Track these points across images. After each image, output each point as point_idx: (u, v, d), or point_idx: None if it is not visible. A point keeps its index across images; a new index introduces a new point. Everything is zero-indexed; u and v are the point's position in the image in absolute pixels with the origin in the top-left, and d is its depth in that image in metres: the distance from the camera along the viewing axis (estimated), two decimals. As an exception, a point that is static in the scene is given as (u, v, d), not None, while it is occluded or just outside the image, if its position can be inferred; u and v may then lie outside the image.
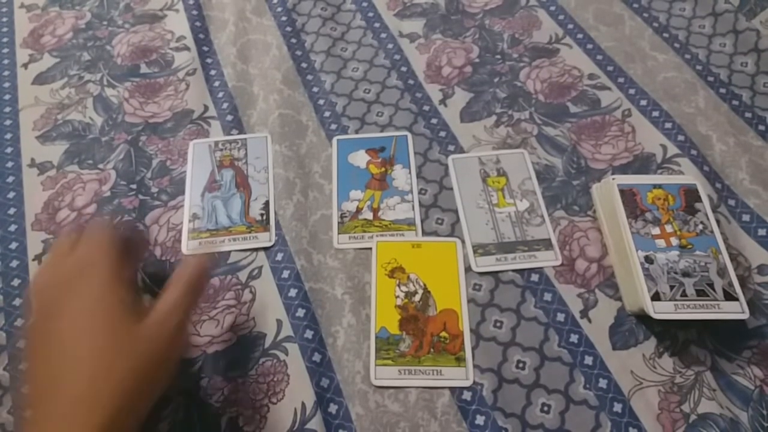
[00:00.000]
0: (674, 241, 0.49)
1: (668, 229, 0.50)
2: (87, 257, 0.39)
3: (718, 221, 0.52)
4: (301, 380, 0.48)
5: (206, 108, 0.65)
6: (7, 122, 0.64)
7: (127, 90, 0.67)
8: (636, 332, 0.49)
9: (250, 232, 0.55)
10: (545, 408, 0.46)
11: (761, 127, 0.62)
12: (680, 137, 0.60)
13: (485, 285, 0.52)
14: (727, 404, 0.46)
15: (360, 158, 0.61)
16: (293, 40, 0.71)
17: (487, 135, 0.62)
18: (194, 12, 0.74)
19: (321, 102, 0.65)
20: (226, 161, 0.60)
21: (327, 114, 0.64)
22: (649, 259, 0.48)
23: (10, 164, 0.61)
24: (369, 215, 0.57)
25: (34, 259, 0.54)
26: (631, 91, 0.64)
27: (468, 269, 0.53)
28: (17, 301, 0.52)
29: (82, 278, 0.38)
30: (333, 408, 0.47)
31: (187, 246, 0.54)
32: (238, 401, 0.47)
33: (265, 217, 0.56)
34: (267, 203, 0.57)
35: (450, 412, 0.46)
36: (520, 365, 0.48)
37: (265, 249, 0.54)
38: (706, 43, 0.69)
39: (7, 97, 0.66)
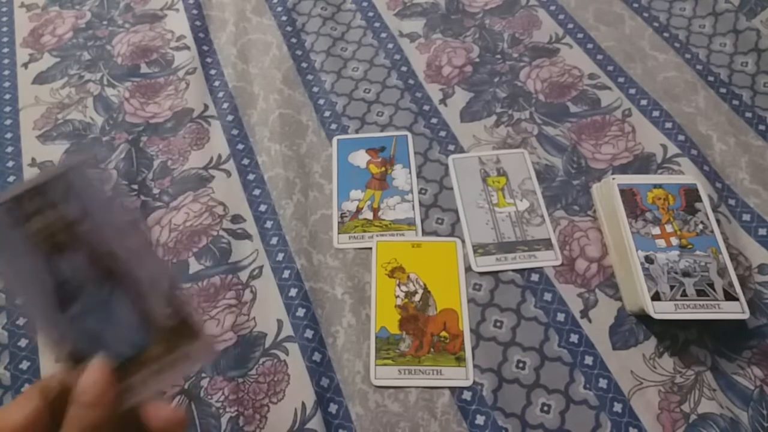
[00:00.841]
0: (674, 241, 0.49)
1: (668, 228, 0.50)
2: None
3: (718, 221, 0.52)
4: (301, 380, 0.48)
5: (206, 107, 0.65)
6: (8, 122, 0.64)
7: (128, 89, 0.67)
8: (636, 332, 0.49)
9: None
10: (545, 408, 0.46)
11: (761, 127, 0.62)
12: (680, 137, 0.60)
13: (485, 285, 0.52)
14: (727, 404, 0.46)
15: (360, 158, 0.61)
16: (293, 40, 0.71)
17: (487, 135, 0.62)
18: (194, 11, 0.74)
19: (321, 102, 0.65)
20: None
21: (327, 114, 0.64)
22: (649, 259, 0.48)
23: (10, 164, 0.61)
24: (369, 215, 0.57)
25: (34, 259, 0.54)
26: (632, 91, 0.64)
27: (468, 269, 0.53)
28: (19, 301, 0.52)
29: None
30: (333, 408, 0.47)
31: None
32: (238, 401, 0.47)
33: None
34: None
35: (450, 412, 0.46)
36: (520, 365, 0.48)
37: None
38: (707, 42, 0.69)
39: (7, 96, 0.66)
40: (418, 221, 0.56)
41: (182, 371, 0.30)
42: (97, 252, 0.28)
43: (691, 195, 0.52)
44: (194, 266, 0.53)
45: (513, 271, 0.53)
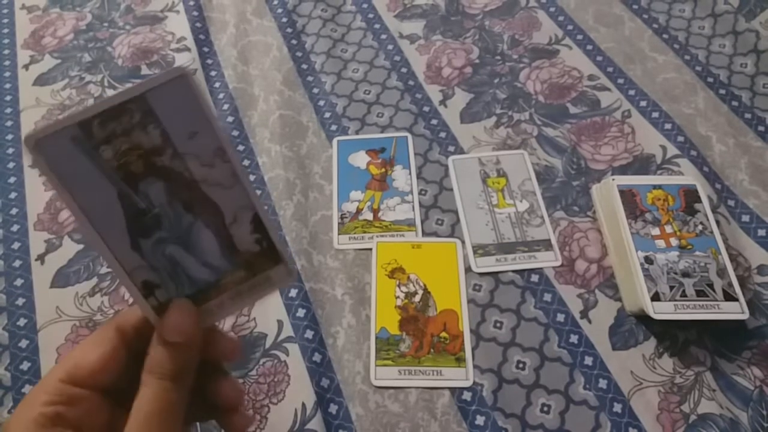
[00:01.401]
0: (674, 241, 0.50)
1: (668, 229, 0.50)
2: None
3: (717, 222, 0.52)
4: (301, 380, 0.48)
5: (207, 109, 0.65)
6: (8, 123, 0.64)
7: (128, 91, 0.67)
8: (636, 332, 0.49)
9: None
10: (545, 408, 0.46)
11: (761, 128, 0.62)
12: (680, 138, 0.60)
13: (485, 285, 0.52)
14: (727, 404, 0.46)
15: (360, 159, 0.61)
16: (294, 42, 0.71)
17: (487, 136, 0.62)
18: (195, 13, 0.74)
19: (321, 103, 0.66)
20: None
21: (327, 115, 0.64)
22: (648, 260, 0.49)
23: (11, 165, 0.61)
24: (369, 216, 0.57)
25: (36, 259, 0.54)
26: (631, 92, 0.65)
27: (468, 270, 0.53)
28: (20, 301, 0.52)
29: None
30: (333, 408, 0.47)
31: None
32: (238, 401, 0.47)
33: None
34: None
35: (450, 412, 0.46)
36: (520, 365, 0.48)
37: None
38: (706, 44, 0.69)
39: (8, 98, 0.66)
40: (418, 222, 0.56)
41: (262, 295, 0.29)
42: (178, 182, 0.25)
43: (690, 196, 0.52)
44: (195, 267, 0.53)
45: (513, 271, 0.53)
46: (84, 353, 0.27)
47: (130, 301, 0.47)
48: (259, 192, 0.59)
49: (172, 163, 0.25)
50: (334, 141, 0.62)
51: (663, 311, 0.46)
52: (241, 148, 0.62)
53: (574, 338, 0.49)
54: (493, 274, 0.53)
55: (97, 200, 0.24)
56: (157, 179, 0.25)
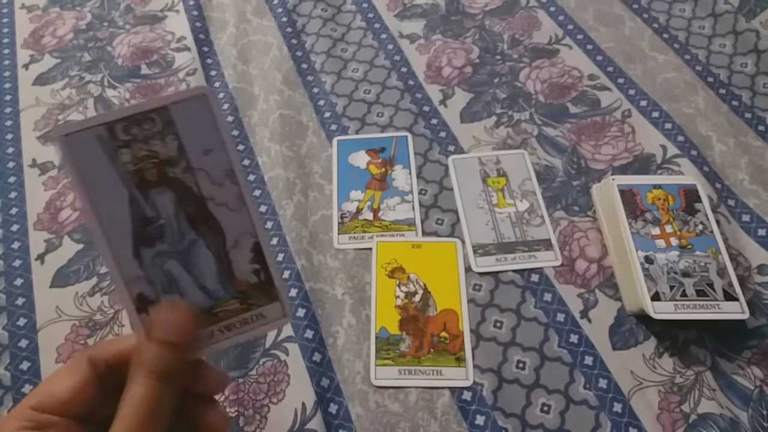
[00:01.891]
0: (674, 241, 0.50)
1: (668, 229, 0.50)
2: None
3: (718, 221, 0.52)
4: (301, 380, 0.48)
5: (207, 108, 0.65)
6: (8, 123, 0.64)
7: (128, 91, 0.67)
8: (636, 332, 0.49)
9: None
10: (545, 408, 0.46)
11: (761, 128, 0.62)
12: (680, 138, 0.60)
13: (485, 285, 0.52)
14: (727, 404, 0.46)
15: (360, 159, 0.61)
16: (294, 41, 0.71)
17: (487, 135, 0.62)
18: (195, 13, 0.74)
19: (321, 102, 0.66)
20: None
21: (327, 114, 0.64)
22: (649, 260, 0.48)
23: (11, 164, 0.61)
24: (369, 215, 0.57)
25: (36, 259, 0.54)
26: (631, 92, 0.65)
27: (468, 269, 0.53)
28: (20, 301, 0.52)
29: None
30: (333, 408, 0.47)
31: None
32: (238, 401, 0.47)
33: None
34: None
35: (450, 412, 0.46)
36: (520, 365, 0.48)
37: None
38: (706, 43, 0.69)
39: (8, 97, 0.66)
40: (418, 222, 0.56)
41: (253, 333, 0.29)
42: (186, 196, 0.26)
43: (690, 195, 0.52)
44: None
45: (513, 271, 0.53)
46: (54, 383, 0.27)
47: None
48: (259, 191, 0.59)
49: (184, 175, 0.26)
50: (334, 140, 0.62)
51: (663, 311, 0.46)
52: (241, 147, 0.62)
53: (574, 338, 0.49)
54: (493, 274, 0.53)
55: (110, 201, 0.25)
56: (167, 189, 0.26)
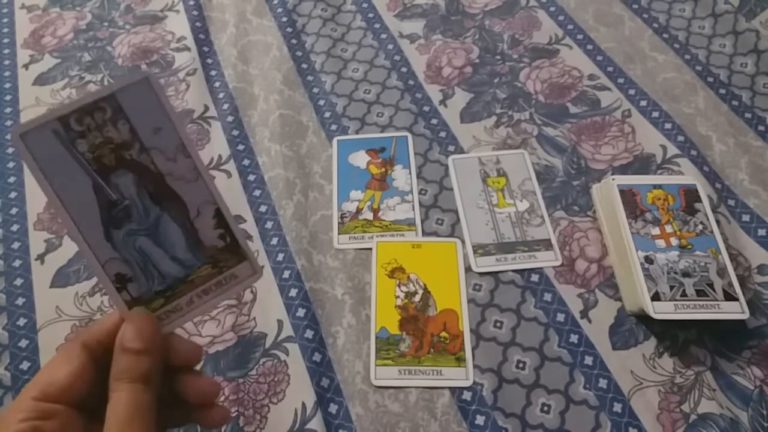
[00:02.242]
0: (674, 241, 0.50)
1: (668, 229, 0.50)
2: None
3: (717, 221, 0.52)
4: (301, 380, 0.48)
5: (206, 108, 0.65)
6: (8, 123, 0.64)
7: (128, 91, 0.67)
8: (636, 332, 0.49)
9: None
10: (545, 408, 0.46)
11: (761, 128, 0.62)
12: (680, 138, 0.60)
13: (485, 285, 0.52)
14: (727, 404, 0.46)
15: (360, 159, 0.61)
16: (294, 41, 0.71)
17: (487, 135, 0.62)
18: (195, 13, 0.74)
19: (321, 102, 0.66)
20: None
21: (327, 114, 0.64)
22: (649, 260, 0.48)
23: (11, 165, 0.61)
24: (369, 215, 0.57)
25: (36, 259, 0.54)
26: (631, 92, 0.65)
27: (468, 269, 0.53)
28: (20, 301, 0.52)
29: None
30: (333, 408, 0.47)
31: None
32: (238, 401, 0.47)
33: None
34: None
35: (450, 412, 0.46)
36: (520, 365, 0.48)
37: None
38: (706, 43, 0.69)
39: (8, 97, 0.66)
40: (418, 222, 0.56)
41: (229, 293, 0.31)
42: (145, 175, 0.28)
43: (690, 195, 0.52)
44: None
45: (513, 271, 0.53)
46: (53, 371, 0.27)
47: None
48: (259, 192, 0.59)
49: (140, 156, 0.27)
50: (334, 140, 0.62)
51: (663, 311, 0.46)
52: (241, 147, 0.62)
53: (574, 338, 0.49)
54: (493, 274, 0.53)
55: (75, 191, 0.27)
56: (126, 171, 0.27)
